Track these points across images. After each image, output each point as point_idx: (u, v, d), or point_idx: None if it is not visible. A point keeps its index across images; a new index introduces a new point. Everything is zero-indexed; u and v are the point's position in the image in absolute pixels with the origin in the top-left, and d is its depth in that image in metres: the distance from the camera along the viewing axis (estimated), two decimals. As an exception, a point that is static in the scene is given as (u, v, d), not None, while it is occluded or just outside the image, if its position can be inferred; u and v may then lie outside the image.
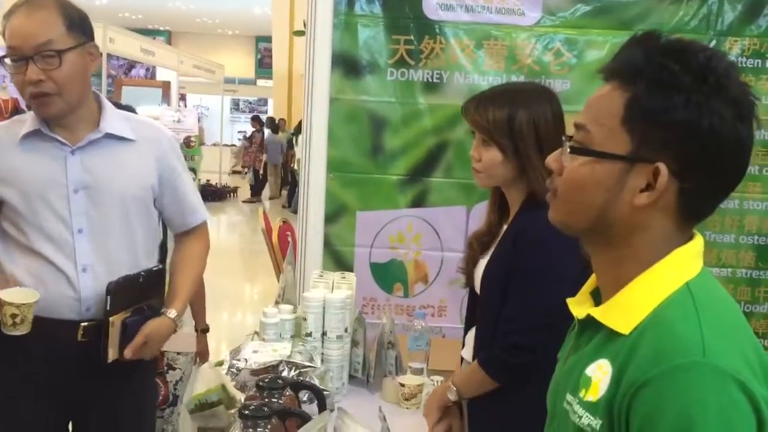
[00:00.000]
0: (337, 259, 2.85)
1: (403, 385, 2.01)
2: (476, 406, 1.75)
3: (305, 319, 2.00)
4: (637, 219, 0.90)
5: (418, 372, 2.12)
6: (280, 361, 1.83)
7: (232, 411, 1.68)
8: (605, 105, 0.91)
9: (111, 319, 1.77)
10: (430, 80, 2.84)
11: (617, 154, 0.89)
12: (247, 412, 1.60)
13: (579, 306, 0.98)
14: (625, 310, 0.88)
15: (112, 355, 1.79)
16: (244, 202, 13.33)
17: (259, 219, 4.50)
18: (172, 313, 1.88)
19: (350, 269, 2.80)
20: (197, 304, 2.80)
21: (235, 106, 19.51)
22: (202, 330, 2.79)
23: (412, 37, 2.82)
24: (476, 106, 1.77)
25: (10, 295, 1.67)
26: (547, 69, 2.80)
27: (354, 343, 2.15)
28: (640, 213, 0.89)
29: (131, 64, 12.69)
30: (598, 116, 0.91)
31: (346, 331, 2.04)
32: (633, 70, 0.88)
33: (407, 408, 2.00)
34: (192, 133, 11.54)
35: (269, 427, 1.56)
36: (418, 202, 2.87)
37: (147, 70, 12.98)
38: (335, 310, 2.00)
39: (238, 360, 1.84)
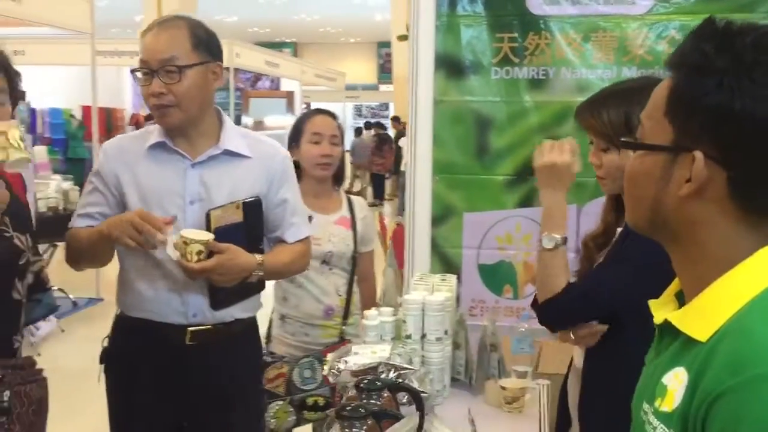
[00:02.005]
0: (445, 261, 2.84)
1: (504, 388, 1.98)
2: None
3: (405, 322, 2.01)
4: (690, 212, 0.86)
5: (523, 375, 2.07)
6: (379, 363, 1.84)
7: (330, 411, 1.72)
8: (656, 97, 0.89)
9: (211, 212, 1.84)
10: (535, 77, 2.77)
11: (659, 145, 0.87)
12: (344, 412, 1.64)
13: (660, 308, 0.93)
14: (703, 315, 0.83)
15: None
16: (370, 205, 13.58)
17: (375, 222, 4.57)
18: (259, 257, 1.92)
19: (458, 271, 2.79)
20: (369, 302, 2.82)
21: (358, 111, 19.91)
22: None
23: (516, 35, 2.77)
24: (590, 110, 1.71)
25: (192, 233, 1.78)
26: (660, 59, 2.66)
27: (456, 346, 2.14)
28: (691, 205, 0.86)
29: (257, 77, 13.25)
30: (650, 109, 0.90)
31: (446, 333, 2.04)
32: (677, 59, 0.86)
33: (509, 411, 1.96)
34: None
35: (365, 427, 1.58)
36: (527, 201, 2.81)
37: (272, 81, 13.50)
38: (434, 312, 2.00)
39: (339, 361, 1.88)
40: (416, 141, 2.87)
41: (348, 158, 15.01)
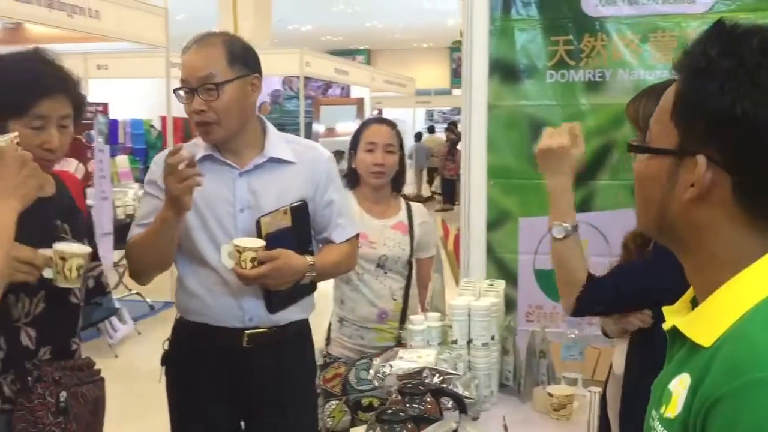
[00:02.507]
0: (501, 267, 2.83)
1: (551, 395, 1.96)
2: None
3: (451, 327, 2.02)
4: (695, 217, 0.85)
5: (572, 383, 2.05)
6: (424, 368, 1.86)
7: (371, 414, 1.74)
8: (664, 101, 0.89)
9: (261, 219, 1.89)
10: (591, 80, 2.73)
11: (664, 148, 0.86)
12: (384, 416, 1.66)
13: (673, 315, 0.92)
14: (708, 320, 0.82)
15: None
16: (437, 211, 13.59)
17: (437, 227, 4.59)
18: (310, 258, 1.97)
19: (514, 277, 2.78)
20: (424, 299, 2.83)
21: (430, 116, 19.90)
22: None
23: (571, 37, 2.74)
24: (632, 104, 1.71)
25: (244, 242, 1.85)
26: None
27: (504, 351, 2.13)
28: (696, 210, 0.85)
29: (328, 85, 13.45)
30: (658, 112, 0.89)
31: (493, 338, 2.03)
32: (682, 62, 0.85)
33: (556, 419, 1.94)
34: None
35: (405, 431, 1.60)
36: (584, 206, 2.76)
37: (342, 89, 13.68)
38: (480, 317, 2.00)
39: (384, 365, 1.90)
40: (471, 146, 2.87)
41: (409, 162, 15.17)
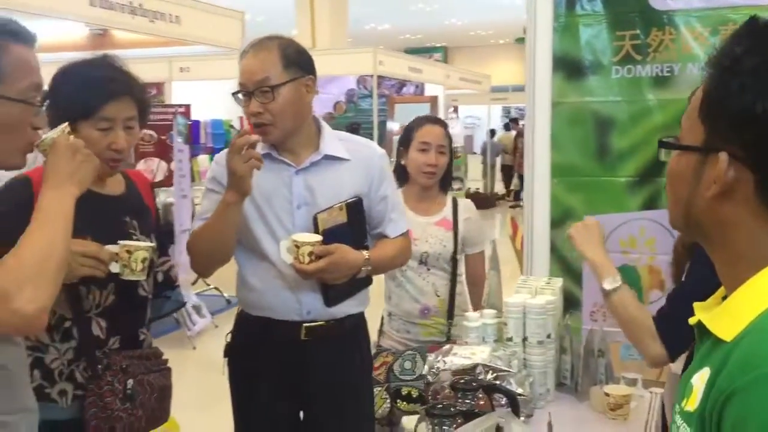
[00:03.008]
0: (565, 265, 2.80)
1: (608, 395, 1.93)
2: None
3: (506, 324, 2.02)
4: (720, 213, 0.85)
5: (632, 383, 2.02)
6: (477, 365, 1.87)
7: (421, 408, 1.77)
8: (695, 98, 0.89)
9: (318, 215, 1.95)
10: (659, 74, 2.67)
11: (690, 145, 0.87)
12: (434, 410, 1.69)
13: (702, 310, 0.91)
14: (731, 316, 0.82)
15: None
16: (511, 207, 13.47)
17: (506, 224, 4.56)
18: (366, 253, 2.01)
19: (578, 275, 2.74)
20: (476, 296, 2.86)
21: (506, 113, 19.67)
22: None
23: (638, 32, 2.69)
24: (692, 94, 1.67)
25: (302, 237, 1.92)
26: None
27: (562, 350, 2.12)
28: (720, 207, 0.85)
29: (402, 83, 13.50)
30: (689, 109, 0.91)
31: (549, 337, 2.02)
32: (711, 59, 0.86)
33: (613, 419, 1.92)
34: (458, 144, 11.93)
35: (454, 426, 1.62)
36: (651, 203, 2.71)
37: (416, 87, 13.70)
38: (535, 315, 2.00)
39: (438, 361, 1.93)
40: (534, 144, 2.85)
41: (474, 159, 15.09)
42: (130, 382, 1.78)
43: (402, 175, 2.75)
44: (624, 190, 2.74)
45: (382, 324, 2.79)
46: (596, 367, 2.08)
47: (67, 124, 1.47)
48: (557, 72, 2.78)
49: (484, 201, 14.45)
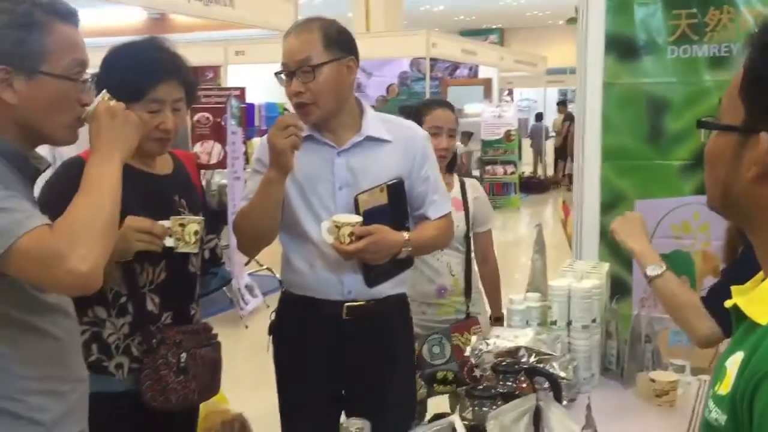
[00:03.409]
0: (614, 250, 2.74)
1: (653, 381, 1.90)
2: None
3: (550, 308, 2.01)
4: (759, 196, 0.84)
5: (680, 370, 1.98)
6: (520, 347, 1.87)
7: (461, 389, 1.78)
8: (735, 76, 0.87)
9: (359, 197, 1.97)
10: (717, 55, 2.59)
11: (729, 125, 0.84)
12: (475, 392, 1.69)
13: (739, 294, 0.89)
14: (767, 300, 0.79)
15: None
16: (567, 190, 13.28)
17: (558, 209, 4.50)
18: (406, 234, 2.02)
19: (629, 261, 2.69)
20: (494, 293, 2.94)
21: (563, 96, 19.32)
22: (496, 318, 2.91)
23: (695, 11, 2.61)
24: None
25: (343, 218, 1.94)
26: None
27: (608, 335, 2.09)
28: (759, 189, 0.83)
29: (456, 66, 13.38)
30: (729, 88, 0.88)
31: (594, 321, 2.00)
32: (751, 37, 0.84)
33: (659, 405, 1.89)
34: (511, 127, 11.80)
35: (494, 407, 1.62)
36: (705, 188, 2.64)
37: (470, 69, 13.56)
38: (580, 299, 1.97)
39: (481, 343, 1.93)
40: (585, 126, 2.81)
41: (528, 143, 14.90)
42: (184, 355, 1.83)
43: None
44: (677, 174, 2.67)
45: None
46: (643, 353, 2.05)
47: (105, 91, 1.49)
48: (610, 52, 2.72)
49: (537, 185, 14.28)
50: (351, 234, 1.91)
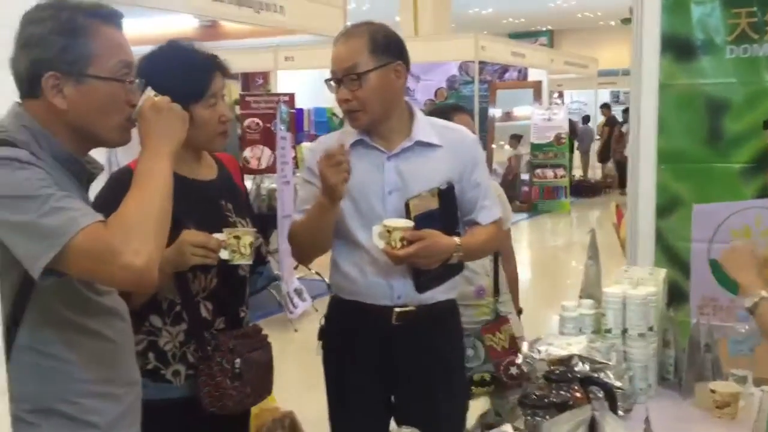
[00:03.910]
0: (671, 255, 2.68)
1: (714, 392, 1.84)
2: None
3: (604, 315, 1.96)
4: None
5: (742, 380, 1.91)
6: (573, 356, 1.82)
7: (513, 398, 1.74)
8: None
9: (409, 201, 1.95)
10: (778, 54, 2.50)
11: None
12: (527, 401, 1.66)
13: None
14: None
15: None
16: (621, 194, 13.03)
17: (611, 213, 4.41)
18: (457, 239, 2.00)
19: (686, 266, 2.62)
20: (515, 290, 2.97)
21: (615, 98, 18.96)
22: (518, 311, 2.95)
23: (755, 9, 2.52)
24: None
25: (394, 222, 1.93)
26: None
27: (665, 344, 2.03)
28: None
29: (504, 68, 13.26)
30: None
31: (650, 329, 1.94)
32: None
33: (719, 417, 1.82)
34: (562, 130, 11.63)
35: (548, 417, 1.59)
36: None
37: (519, 72, 13.42)
38: (636, 306, 1.92)
39: (533, 351, 1.89)
40: (640, 128, 2.74)
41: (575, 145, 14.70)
42: (238, 361, 1.84)
43: None
44: (737, 177, 2.59)
45: None
46: (702, 363, 1.98)
47: (149, 88, 1.49)
48: (666, 53, 2.65)
49: (588, 189, 14.05)
50: (402, 238, 1.90)
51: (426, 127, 2.07)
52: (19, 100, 1.42)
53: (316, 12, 6.40)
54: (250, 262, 1.86)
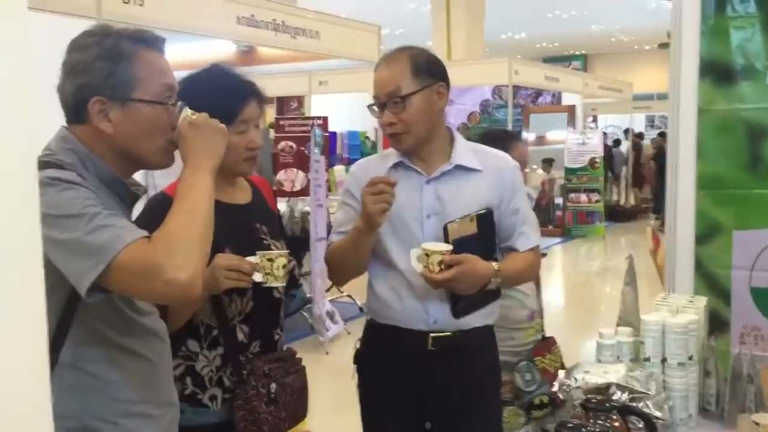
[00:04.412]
0: (711, 283, 2.63)
1: (757, 424, 1.78)
2: None
3: (643, 343, 1.92)
4: None
5: (787, 413, 1.85)
6: (611, 384, 1.79)
7: (551, 426, 1.71)
8: None
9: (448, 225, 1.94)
10: (821, 79, 2.46)
11: None
12: (563, 430, 1.63)
13: None
14: None
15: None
16: (656, 218, 12.86)
17: (647, 238, 4.34)
18: (496, 264, 1.99)
19: (726, 294, 2.57)
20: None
21: (650, 122, 18.78)
22: None
23: (797, 33, 2.49)
24: None
25: (432, 246, 1.92)
26: None
27: (706, 374, 1.98)
28: None
29: (538, 92, 13.23)
30: None
31: (690, 359, 1.90)
32: None
33: (764, 451, 1.77)
34: (596, 155, 11.54)
35: (586, 447, 1.56)
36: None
37: (553, 96, 13.38)
38: (675, 335, 1.88)
39: (569, 378, 1.86)
40: (678, 153, 2.71)
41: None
42: (273, 386, 1.85)
43: None
44: (780, 204, 2.54)
45: None
46: (744, 394, 1.93)
47: (186, 107, 1.50)
48: (704, 78, 2.62)
49: (623, 213, 13.89)
50: (440, 262, 1.89)
51: (466, 152, 2.08)
52: (65, 125, 1.46)
53: (351, 37, 6.48)
54: (283, 284, 1.87)
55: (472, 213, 1.98)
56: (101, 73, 1.40)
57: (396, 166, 2.06)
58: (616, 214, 13.65)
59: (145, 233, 1.33)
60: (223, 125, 1.53)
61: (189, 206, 1.37)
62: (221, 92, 1.85)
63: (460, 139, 2.12)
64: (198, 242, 1.34)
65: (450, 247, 1.91)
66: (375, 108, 2.04)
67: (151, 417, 1.48)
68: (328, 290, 6.23)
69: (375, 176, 1.93)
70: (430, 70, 2.01)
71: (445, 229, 1.94)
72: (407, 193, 2.03)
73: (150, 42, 1.46)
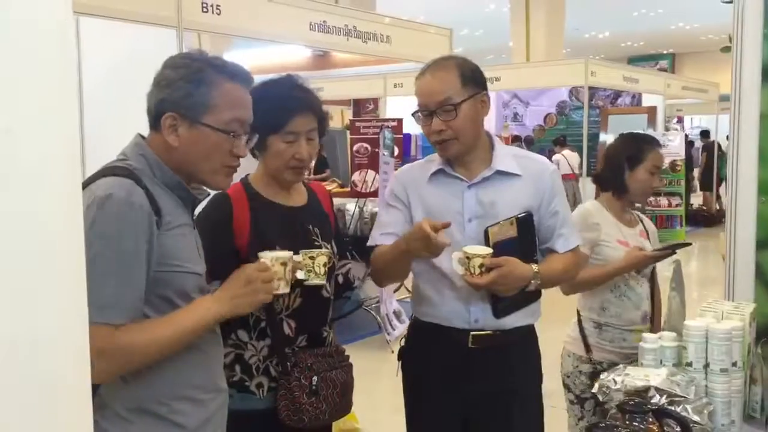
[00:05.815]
0: (771, 291, 2.58)
1: (800, 434, 1.77)
2: None
3: (685, 348, 1.92)
4: None
5: (834, 424, 1.83)
6: (650, 387, 1.81)
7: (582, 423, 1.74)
8: None
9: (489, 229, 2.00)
10: None
11: None
12: (596, 430, 1.66)
13: None
14: None
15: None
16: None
17: (720, 244, 4.23)
18: (535, 266, 2.03)
19: (787, 302, 2.51)
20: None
21: (739, 124, 18.00)
22: None
23: None
24: None
25: (473, 249, 1.98)
26: None
27: (752, 380, 1.97)
28: None
29: (617, 94, 12.91)
30: None
31: (734, 365, 1.89)
32: None
33: (805, 461, 1.75)
34: (678, 157, 11.19)
35: (617, 448, 1.59)
36: None
37: (633, 97, 13.04)
38: (718, 341, 1.88)
39: (609, 380, 1.89)
40: (739, 159, 2.66)
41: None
42: (315, 378, 1.94)
43: (622, 189, 2.86)
44: None
45: (585, 337, 2.82)
46: (791, 403, 1.91)
47: (291, 254, 1.69)
48: (767, 82, 2.57)
49: (706, 218, 13.41)
50: (481, 265, 1.95)
51: (506, 157, 2.13)
52: (141, 132, 1.61)
53: (423, 40, 6.56)
54: (323, 282, 1.93)
55: (512, 216, 2.03)
56: (181, 92, 1.54)
57: (437, 172, 2.12)
58: (699, 219, 13.20)
59: (130, 314, 1.44)
60: (269, 295, 1.64)
61: (171, 336, 1.48)
62: (275, 101, 1.95)
63: (499, 145, 2.17)
64: (145, 364, 1.48)
65: (490, 250, 1.96)
66: (419, 115, 2.09)
67: (201, 401, 1.59)
68: (396, 290, 6.32)
69: (430, 223, 1.91)
70: (475, 79, 2.07)
71: (486, 232, 2.00)
72: (449, 198, 2.10)
73: (233, 75, 1.59)
